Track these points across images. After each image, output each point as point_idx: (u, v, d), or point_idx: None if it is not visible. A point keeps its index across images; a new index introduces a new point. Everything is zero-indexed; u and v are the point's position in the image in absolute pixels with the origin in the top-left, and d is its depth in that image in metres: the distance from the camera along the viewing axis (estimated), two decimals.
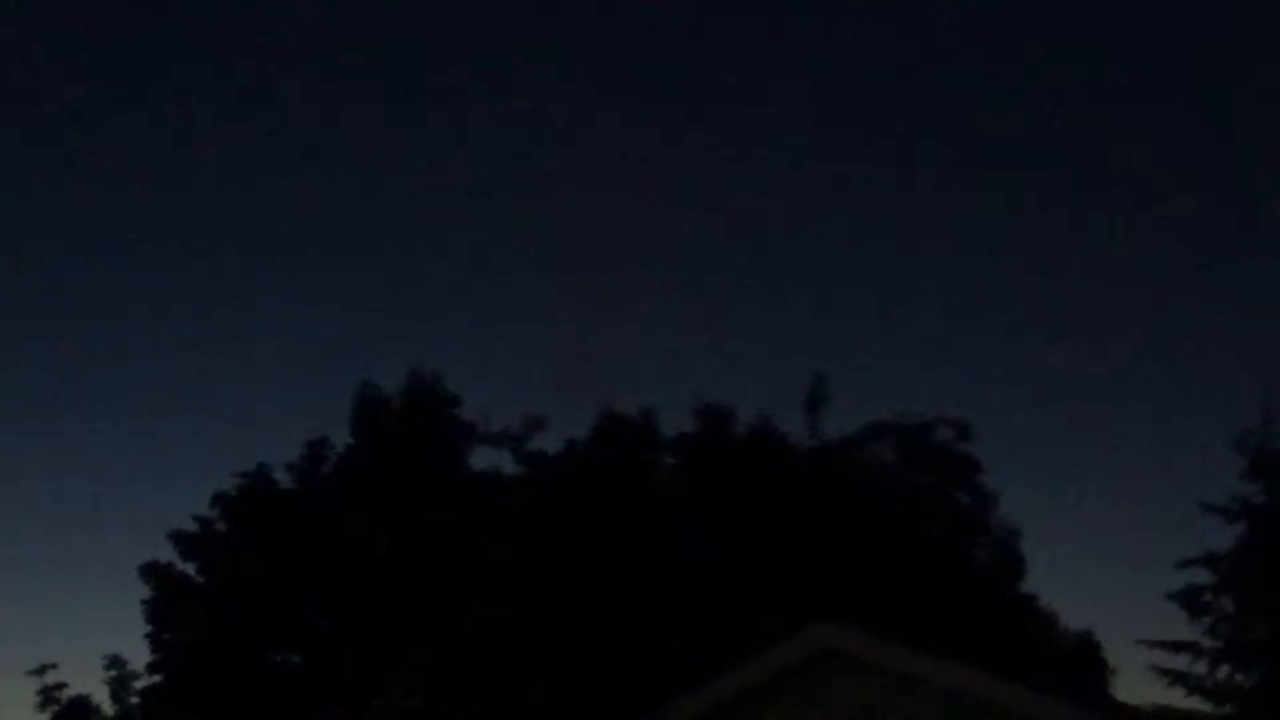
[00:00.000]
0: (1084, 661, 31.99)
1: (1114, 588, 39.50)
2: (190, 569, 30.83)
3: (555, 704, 28.38)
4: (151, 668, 29.97)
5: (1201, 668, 30.87)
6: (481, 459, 32.17)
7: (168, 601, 30.28)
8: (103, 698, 29.74)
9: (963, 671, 16.55)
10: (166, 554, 30.80)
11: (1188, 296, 50.85)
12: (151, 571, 30.58)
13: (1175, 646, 31.08)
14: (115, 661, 30.00)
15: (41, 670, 29.47)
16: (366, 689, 29.58)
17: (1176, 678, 30.96)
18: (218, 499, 31.37)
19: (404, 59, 49.30)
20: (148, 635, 30.27)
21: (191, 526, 31.07)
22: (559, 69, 48.72)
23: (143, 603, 30.50)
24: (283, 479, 31.61)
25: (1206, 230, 49.94)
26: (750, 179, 49.65)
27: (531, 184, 48.67)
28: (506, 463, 32.28)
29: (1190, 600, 31.17)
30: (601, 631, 28.46)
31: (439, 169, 50.33)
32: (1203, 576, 31.15)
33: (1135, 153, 49.97)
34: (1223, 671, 30.73)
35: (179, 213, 50.46)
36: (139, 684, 29.93)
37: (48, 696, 29.23)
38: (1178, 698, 30.79)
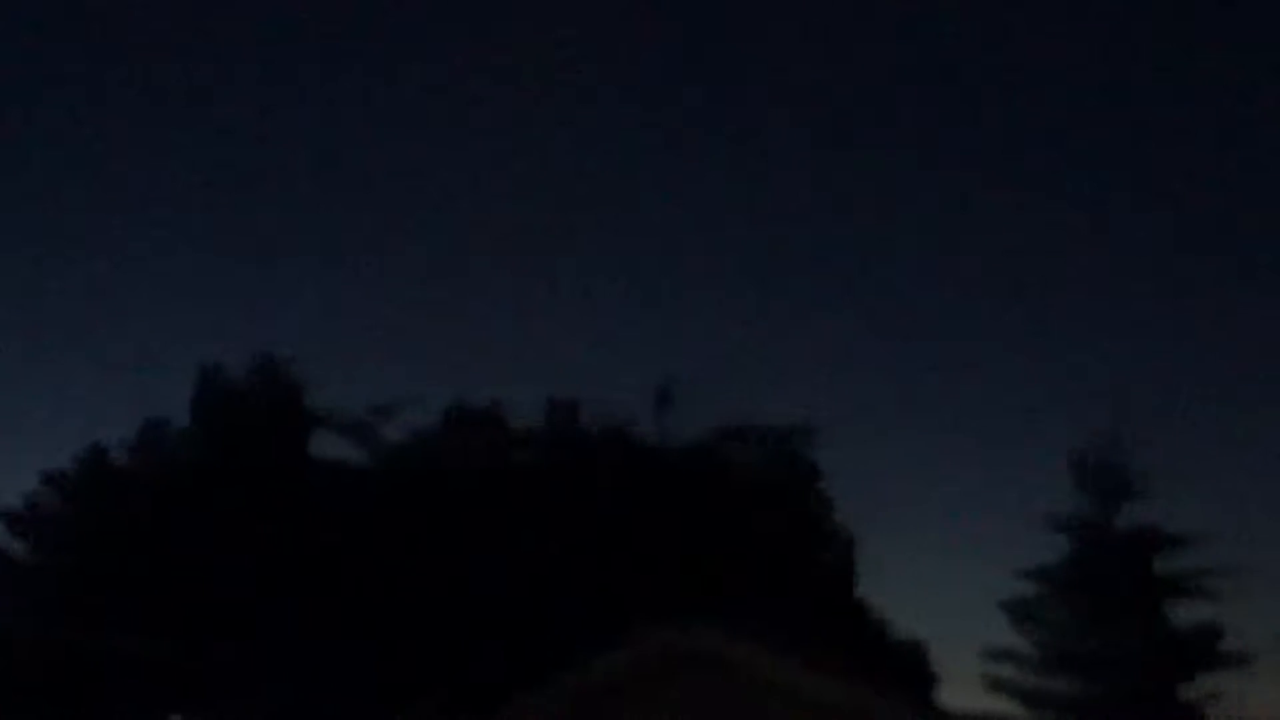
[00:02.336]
0: (913, 668, 32.54)
1: (944, 596, 40.16)
2: (21, 548, 30.13)
3: (388, 695, 28.16)
4: None
5: (1027, 676, 31.71)
6: (328, 447, 31.78)
7: None
8: None
9: (806, 673, 16.71)
10: None
11: (1027, 311, 51.82)
12: None
13: (1003, 655, 31.89)
14: None
15: None
16: (193, 676, 29.02)
17: (1002, 686, 31.76)
18: (49, 478, 30.66)
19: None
20: None
21: (21, 505, 30.36)
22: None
23: None
24: (121, 459, 30.97)
25: (1047, 243, 50.90)
26: (603, 175, 49.60)
27: (383, 173, 48.15)
28: (353, 452, 31.93)
29: (1019, 610, 32.00)
30: (438, 622, 28.28)
31: (292, 149, 49.50)
32: (1032, 588, 32.03)
33: (969, 159, 50.67)
34: (1046, 680, 31.59)
35: (7, 199, 48.89)
36: None
37: None
38: (1003, 704, 31.59)
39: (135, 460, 31.08)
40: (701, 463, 31.60)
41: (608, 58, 45.96)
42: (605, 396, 32.51)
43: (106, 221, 47.39)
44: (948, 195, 48.65)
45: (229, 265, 46.86)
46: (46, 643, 28.73)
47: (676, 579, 27.33)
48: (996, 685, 31.93)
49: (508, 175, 47.26)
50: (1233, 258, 50.33)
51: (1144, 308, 51.10)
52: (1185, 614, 31.69)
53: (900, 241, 50.95)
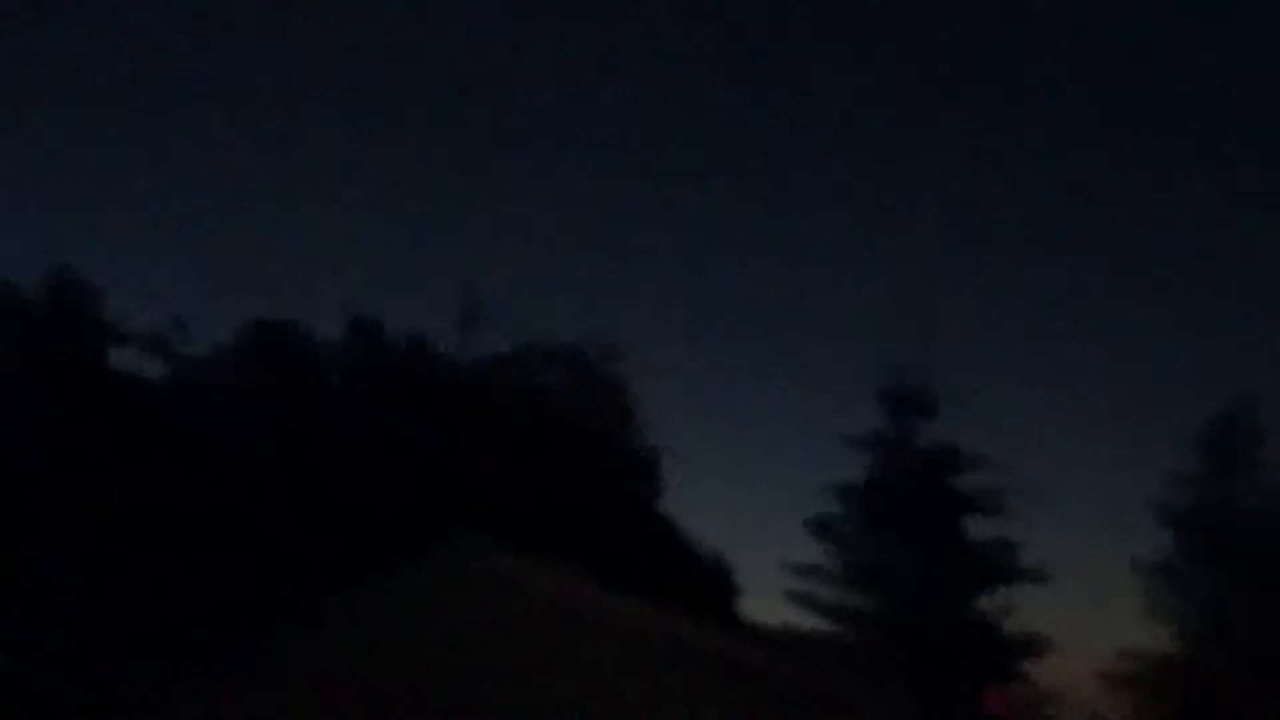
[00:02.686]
0: (717, 582, 32.86)
1: (748, 512, 40.59)
2: None
3: (173, 612, 27.59)
4: None
5: (829, 590, 32.21)
6: (125, 360, 30.83)
7: None
8: None
9: (606, 595, 16.74)
10: None
11: (841, 232, 52.28)
12: None
13: (805, 570, 32.34)
14: None
15: None
16: None
17: (804, 600, 32.22)
18: None
19: None
20: None
21: None
22: None
23: None
24: None
25: (850, 168, 51.35)
26: (406, 93, 48.71)
27: (193, 84, 46.77)
28: (150, 364, 31.02)
29: (821, 526, 32.44)
30: (239, 536, 27.74)
31: (93, 62, 47.72)
32: (834, 505, 32.50)
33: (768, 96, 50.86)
34: (846, 595, 32.12)
35: None
36: None
37: None
38: (805, 618, 32.09)
39: None
40: (505, 379, 31.34)
41: None
42: (410, 314, 32.07)
43: None
44: (754, 113, 48.86)
45: (28, 180, 45.24)
46: None
47: (477, 496, 27.13)
48: (799, 600, 32.35)
49: (308, 95, 46.30)
50: (1028, 189, 51.45)
51: (948, 233, 51.98)
52: (982, 530, 32.38)
53: (710, 158, 51.06)
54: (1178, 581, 30.57)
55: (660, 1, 47.73)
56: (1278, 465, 30.22)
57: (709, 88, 49.11)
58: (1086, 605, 34.56)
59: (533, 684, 15.68)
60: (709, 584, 31.74)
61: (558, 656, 15.97)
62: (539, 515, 26.40)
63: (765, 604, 33.11)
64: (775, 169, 50.42)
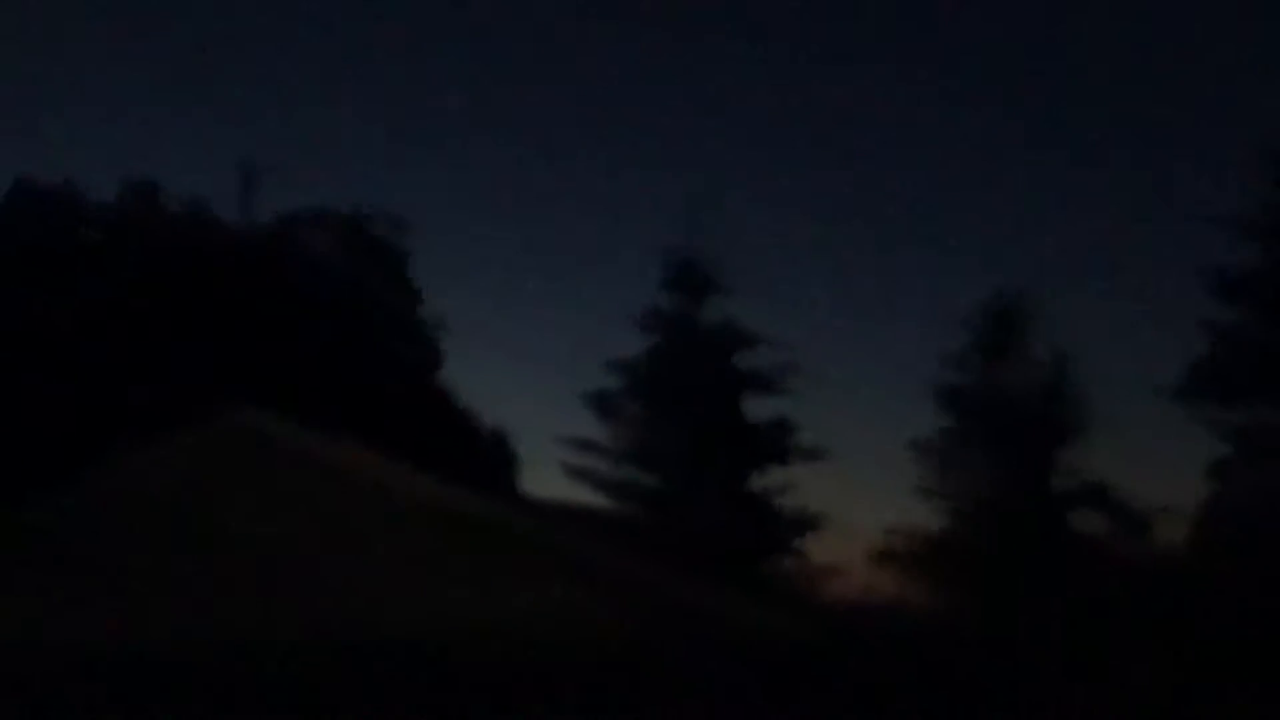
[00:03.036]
0: (498, 456, 32.83)
1: (529, 386, 40.57)
2: None
3: None
4: None
5: (609, 466, 32.39)
6: None
7: None
8: None
9: (383, 463, 16.53)
10: None
11: (619, 110, 52.17)
12: None
13: (585, 445, 32.45)
14: None
15: None
16: None
17: (585, 475, 32.37)
18: None
19: None
20: None
21: None
22: None
23: None
24: None
25: (634, 45, 51.20)
26: None
27: None
28: None
29: (602, 402, 32.51)
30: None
31: None
32: (615, 380, 32.58)
33: None
34: (626, 470, 32.34)
35: None
36: None
37: None
38: (584, 494, 32.25)
39: None
40: (283, 246, 30.60)
41: None
42: (186, 177, 31.14)
43: None
44: None
45: None
46: None
47: (252, 365, 26.53)
48: (579, 474, 32.47)
49: None
50: (818, 69, 51.85)
51: (732, 111, 52.23)
52: (761, 409, 32.79)
53: (499, 30, 50.39)
54: (948, 461, 31.33)
55: None
56: (1047, 349, 31.06)
57: None
58: (862, 483, 35.32)
59: (309, 554, 15.45)
60: (488, 456, 31.66)
61: (337, 525, 15.77)
62: (315, 385, 25.95)
63: (545, 478, 33.16)
64: (563, 45, 49.96)
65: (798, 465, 32.42)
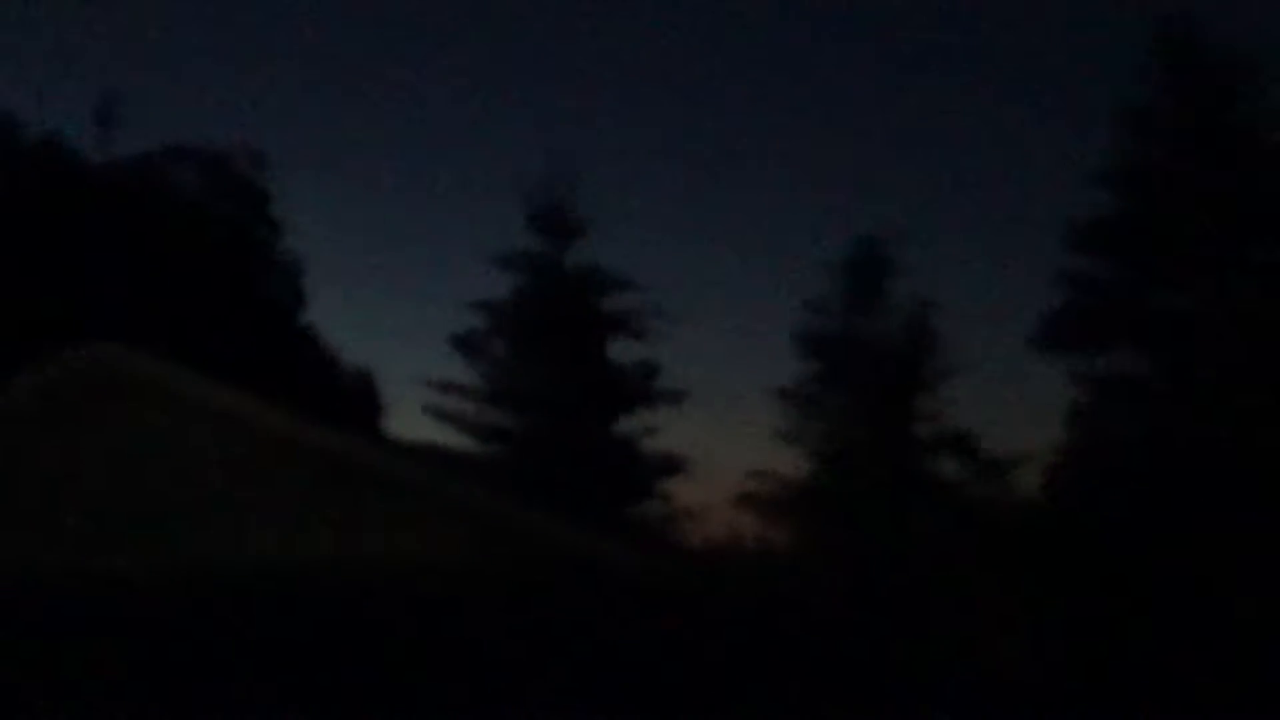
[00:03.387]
0: (362, 397, 32.51)
1: (393, 327, 40.15)
2: None
3: None
4: None
5: (473, 408, 32.24)
6: None
7: None
8: None
9: (242, 400, 16.15)
10: None
11: (477, 47, 51.66)
12: None
13: (450, 388, 32.27)
14: None
15: None
16: None
17: (449, 417, 32.19)
18: None
19: None
20: None
21: None
22: None
23: None
24: None
25: None
26: None
27: None
28: None
29: (467, 344, 32.33)
30: None
31: None
32: (480, 322, 32.39)
33: None
34: (491, 412, 32.22)
35: None
36: None
37: None
38: (449, 436, 32.08)
39: None
40: (142, 181, 29.88)
41: None
42: (44, 108, 30.24)
43: None
44: None
45: None
46: None
47: (109, 300, 25.94)
48: (442, 416, 32.30)
49: None
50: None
51: (600, 54, 51.97)
52: (626, 352, 32.80)
53: None
54: (811, 406, 31.61)
55: None
56: (908, 297, 31.41)
57: None
58: (725, 427, 35.55)
59: (165, 490, 15.11)
60: (351, 397, 31.33)
61: (196, 462, 15.41)
62: (173, 322, 25.41)
63: (409, 419, 32.93)
64: None
65: (662, 409, 32.53)
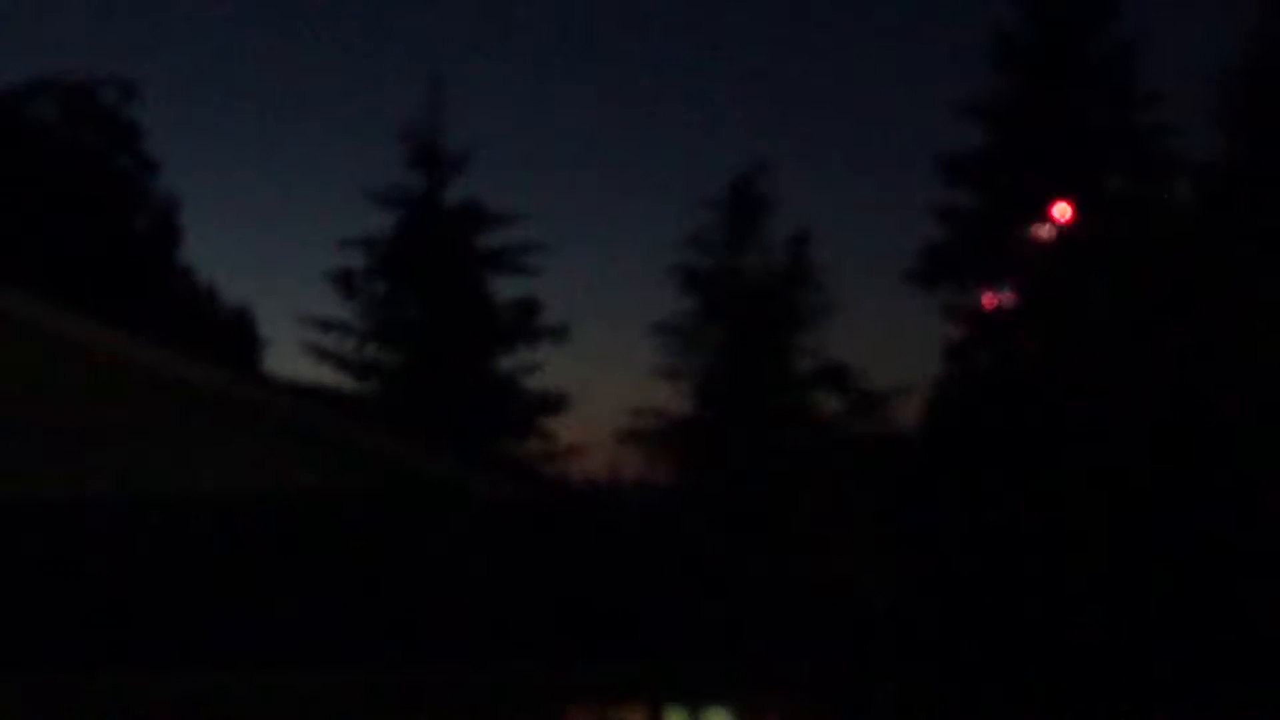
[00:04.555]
0: (240, 335, 32.22)
1: (271, 263, 39.65)
2: None
3: None
4: None
5: (352, 346, 32.03)
6: None
7: None
8: None
9: (112, 333, 15.95)
10: None
11: None
12: None
13: (328, 325, 32.00)
14: None
15: None
16: None
17: (327, 355, 31.96)
18: None
19: None
20: None
21: None
22: None
23: None
24: None
25: None
26: None
27: None
28: None
29: (344, 281, 32.07)
30: None
31: None
32: (358, 259, 32.13)
33: None
34: (370, 350, 32.04)
35: None
36: None
37: None
38: (327, 374, 31.85)
39: None
40: (3, 117, 29.24)
41: None
42: None
43: None
44: None
45: None
46: None
47: None
48: (322, 354, 32.07)
49: None
50: None
51: None
52: (505, 288, 32.73)
53: None
54: (689, 342, 31.81)
55: None
56: (788, 231, 31.69)
57: None
58: (605, 364, 35.64)
59: (31, 423, 14.92)
60: (229, 335, 31.03)
61: (60, 395, 15.23)
62: (42, 259, 24.98)
63: (289, 357, 32.66)
64: None
65: (543, 345, 32.53)
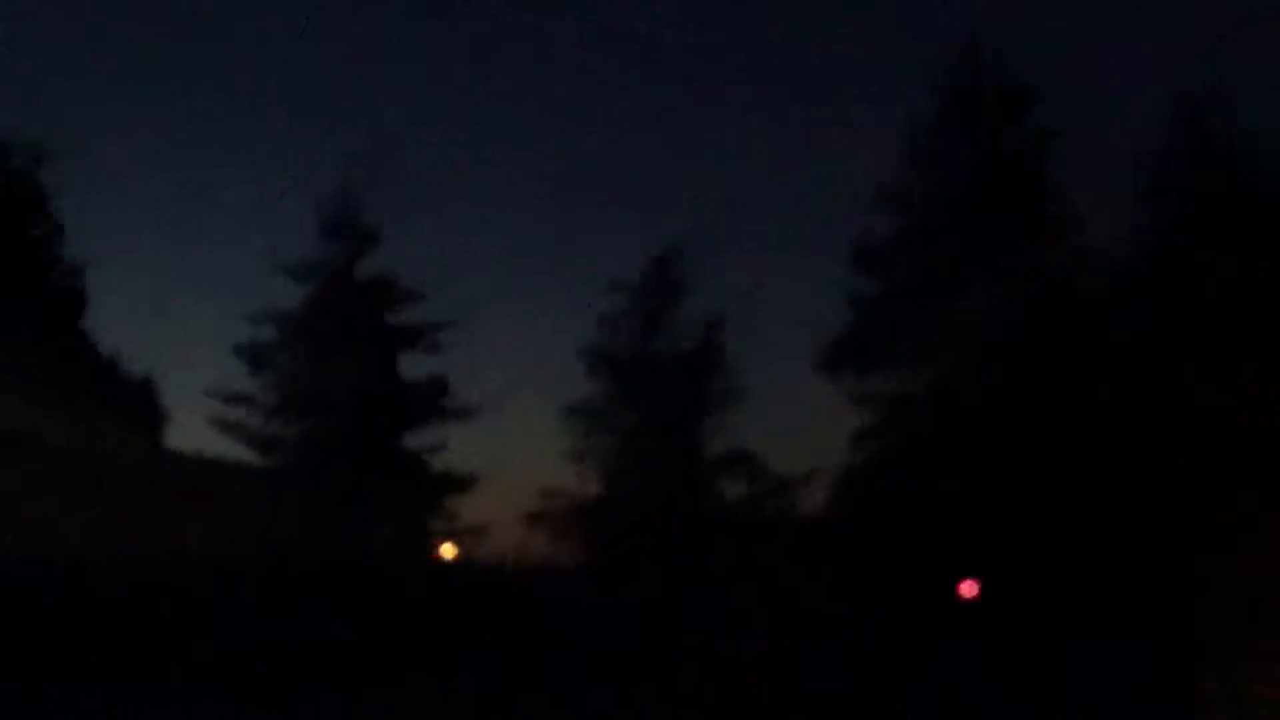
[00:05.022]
0: (142, 406, 31.73)
1: (176, 336, 38.98)
2: None
3: None
4: None
5: (259, 420, 31.67)
6: None
7: None
8: None
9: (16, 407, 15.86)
10: None
11: (278, 44, 50.87)
12: None
13: (235, 398, 31.62)
14: None
15: None
16: None
17: (233, 429, 31.56)
18: None
19: None
20: None
21: None
22: None
23: None
24: None
25: None
26: None
27: None
28: None
29: (253, 355, 31.75)
30: None
31: None
32: (267, 332, 31.84)
33: None
34: (276, 425, 31.68)
35: None
36: None
37: None
38: (233, 449, 31.44)
39: None
40: None
41: None
42: None
43: None
44: None
45: None
46: None
47: None
48: (228, 428, 31.67)
49: None
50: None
51: (396, 57, 51.56)
52: (415, 365, 32.55)
53: None
54: (598, 424, 31.80)
55: None
56: (700, 314, 31.85)
57: None
58: (513, 444, 35.39)
59: None
60: (132, 406, 30.55)
61: None
62: None
63: (194, 430, 32.16)
64: None
65: (451, 424, 32.33)
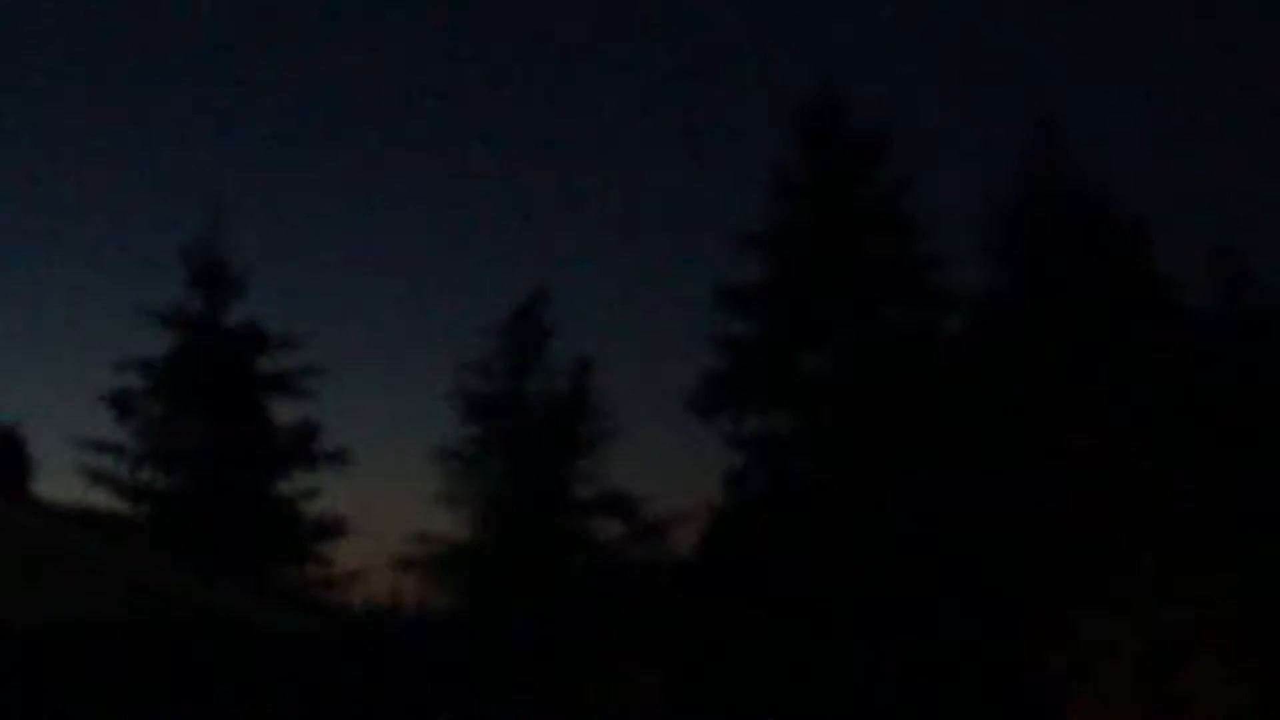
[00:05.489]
0: (8, 456, 31.26)
1: (43, 384, 38.49)
2: None
3: None
4: None
5: (127, 469, 31.28)
6: None
7: None
8: None
9: None
10: None
11: (154, 96, 50.53)
12: None
13: (102, 447, 31.22)
14: None
15: None
16: None
17: (101, 478, 31.14)
18: None
19: None
20: None
21: None
22: None
23: None
24: None
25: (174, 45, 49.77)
26: None
27: None
28: None
29: (121, 403, 31.39)
30: None
31: None
32: (134, 380, 31.50)
33: None
34: (145, 473, 31.32)
35: None
36: None
37: None
38: (102, 498, 31.04)
39: None
40: None
41: None
42: None
43: None
44: None
45: None
46: None
47: None
48: (96, 477, 31.26)
49: None
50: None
51: (258, 105, 51.46)
52: (285, 412, 32.38)
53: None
54: (469, 468, 31.84)
55: None
56: (566, 360, 32.07)
57: None
58: (385, 489, 35.43)
59: None
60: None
61: None
62: None
63: (61, 479, 31.69)
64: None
65: (322, 470, 32.14)
